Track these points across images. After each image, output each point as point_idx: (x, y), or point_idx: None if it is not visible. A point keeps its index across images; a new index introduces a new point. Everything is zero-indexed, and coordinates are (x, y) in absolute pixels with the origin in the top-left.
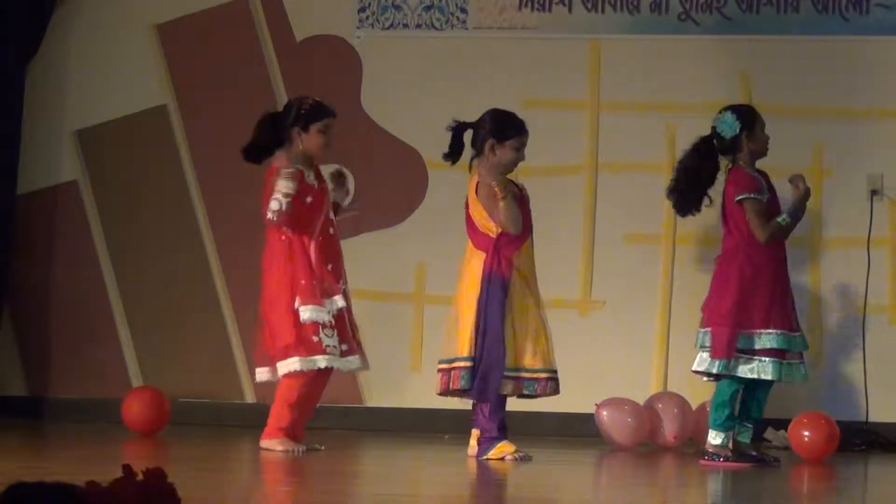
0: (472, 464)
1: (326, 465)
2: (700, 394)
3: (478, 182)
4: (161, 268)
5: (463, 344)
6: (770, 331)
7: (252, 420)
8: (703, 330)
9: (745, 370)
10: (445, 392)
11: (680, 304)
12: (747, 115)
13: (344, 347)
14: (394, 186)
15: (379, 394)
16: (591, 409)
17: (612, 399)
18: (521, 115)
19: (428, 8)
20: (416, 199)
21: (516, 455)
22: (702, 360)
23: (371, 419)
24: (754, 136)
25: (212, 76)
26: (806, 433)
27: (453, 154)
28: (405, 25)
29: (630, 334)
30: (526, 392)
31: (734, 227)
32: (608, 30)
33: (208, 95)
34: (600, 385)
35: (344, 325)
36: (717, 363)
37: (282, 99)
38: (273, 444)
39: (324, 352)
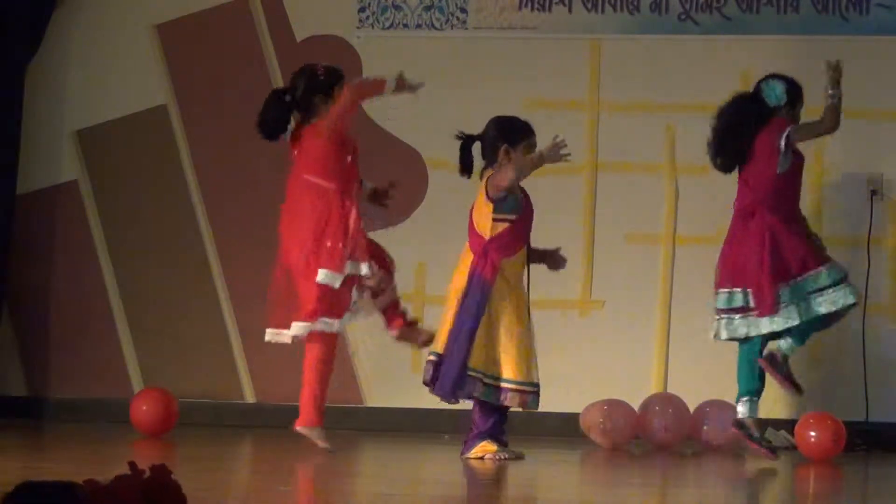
0: (473, 464)
1: (326, 465)
2: (699, 394)
3: (490, 174)
4: (161, 268)
5: (439, 339)
6: (812, 272)
7: (252, 420)
8: (730, 290)
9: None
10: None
11: (680, 304)
12: (796, 93)
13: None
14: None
15: (379, 394)
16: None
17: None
18: (521, 115)
19: (428, 8)
20: (416, 199)
21: (498, 456)
22: (738, 324)
23: (371, 419)
24: (794, 113)
25: (212, 76)
26: (812, 433)
27: (467, 169)
28: (405, 25)
29: (630, 334)
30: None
31: (757, 184)
32: (608, 30)
33: (208, 95)
34: (600, 385)
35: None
36: (770, 321)
37: None
38: (313, 435)
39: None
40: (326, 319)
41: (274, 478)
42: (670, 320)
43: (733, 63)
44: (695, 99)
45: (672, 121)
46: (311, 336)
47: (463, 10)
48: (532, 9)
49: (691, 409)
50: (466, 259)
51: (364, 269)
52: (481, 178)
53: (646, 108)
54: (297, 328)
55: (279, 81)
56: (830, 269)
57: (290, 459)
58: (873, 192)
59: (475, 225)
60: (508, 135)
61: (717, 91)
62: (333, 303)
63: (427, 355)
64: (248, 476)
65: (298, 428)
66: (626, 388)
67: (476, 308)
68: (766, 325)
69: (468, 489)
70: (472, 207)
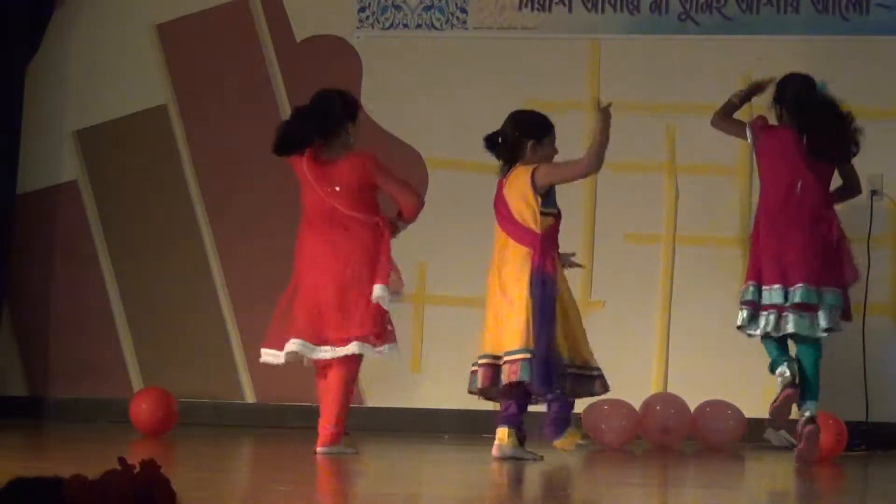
0: (473, 465)
1: (327, 465)
2: (699, 394)
3: (535, 168)
4: (161, 268)
5: (514, 338)
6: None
7: (252, 420)
8: (812, 288)
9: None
10: (489, 387)
11: (680, 304)
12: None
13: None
14: None
15: (379, 394)
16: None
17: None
18: None
19: (428, 8)
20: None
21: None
22: (820, 319)
23: (371, 419)
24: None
25: (212, 76)
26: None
27: (509, 161)
28: (405, 25)
29: (630, 334)
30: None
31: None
32: (608, 30)
33: (208, 95)
34: None
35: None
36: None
37: (282, 99)
38: (336, 451)
39: (394, 339)
40: (383, 346)
41: (274, 478)
42: (670, 320)
43: (733, 63)
44: (695, 99)
45: (672, 121)
46: (345, 356)
47: (463, 10)
48: (532, 9)
49: (691, 409)
50: (514, 255)
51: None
52: (507, 174)
53: (646, 108)
54: (354, 347)
55: (279, 81)
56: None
57: (290, 459)
58: (873, 192)
59: (521, 220)
60: (532, 130)
61: (717, 91)
62: (385, 326)
63: (489, 358)
64: (248, 476)
65: (324, 449)
66: (626, 388)
67: (551, 302)
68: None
69: (468, 489)
70: (505, 205)
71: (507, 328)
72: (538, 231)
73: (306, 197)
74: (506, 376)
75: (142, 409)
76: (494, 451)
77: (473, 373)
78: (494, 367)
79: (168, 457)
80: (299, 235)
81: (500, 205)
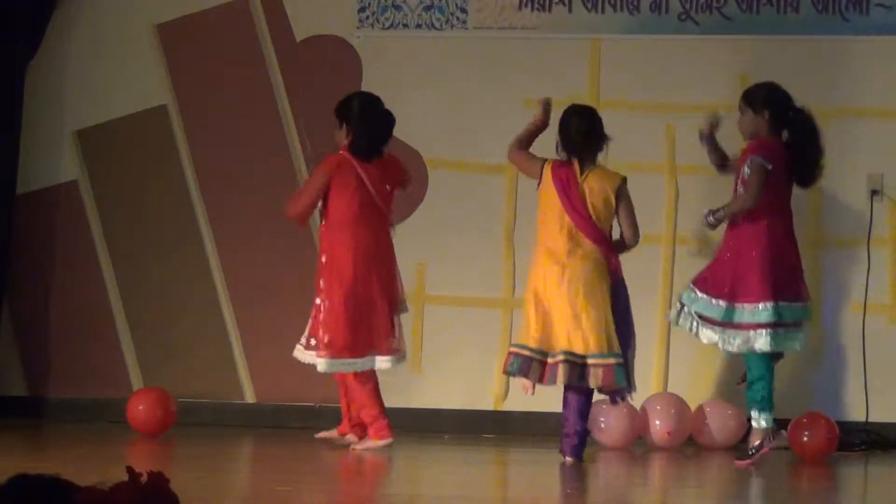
0: (473, 465)
1: (327, 465)
2: (699, 394)
3: (624, 182)
4: (161, 268)
5: (601, 341)
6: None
7: (252, 420)
8: (792, 304)
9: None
10: (574, 382)
11: None
12: None
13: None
14: None
15: None
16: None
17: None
18: (520, 114)
19: (428, 8)
20: (416, 199)
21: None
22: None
23: None
24: None
25: (212, 76)
26: (806, 433)
27: (580, 155)
28: (405, 25)
29: None
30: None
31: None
32: (608, 30)
33: (208, 95)
34: None
35: None
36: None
37: (282, 99)
38: (375, 444)
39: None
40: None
41: (274, 478)
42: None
43: (733, 63)
44: (695, 99)
45: (672, 121)
46: None
47: (463, 10)
48: (532, 9)
49: (691, 409)
50: (589, 253)
51: None
52: (582, 167)
53: (646, 108)
54: (387, 362)
55: (279, 81)
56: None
57: (290, 459)
58: (873, 192)
59: (597, 220)
60: (601, 127)
61: (717, 91)
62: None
63: (566, 356)
64: (248, 476)
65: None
66: None
67: (627, 302)
68: None
69: (468, 489)
70: (581, 198)
71: (592, 329)
72: (606, 233)
73: (353, 197)
74: (598, 380)
75: (139, 410)
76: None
77: (539, 363)
78: (574, 366)
79: (168, 457)
80: (348, 234)
81: (574, 194)
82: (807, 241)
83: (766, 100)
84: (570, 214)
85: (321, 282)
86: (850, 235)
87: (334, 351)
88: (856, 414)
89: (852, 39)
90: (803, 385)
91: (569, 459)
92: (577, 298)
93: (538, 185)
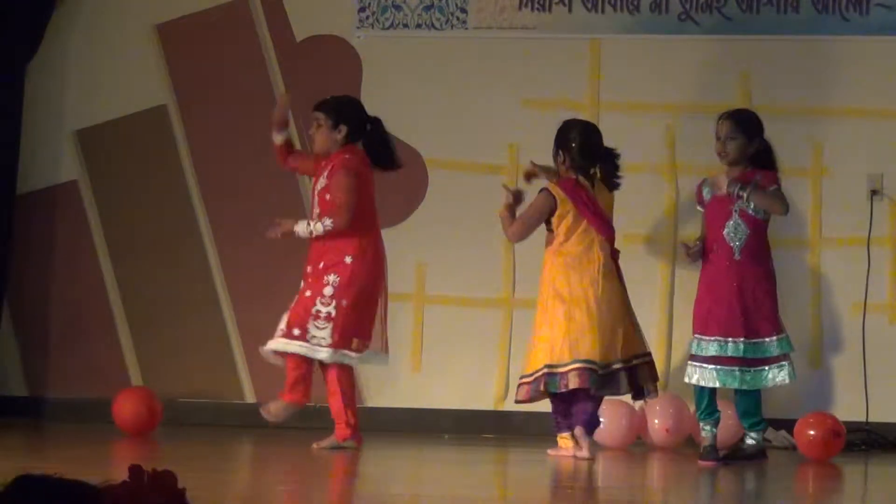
0: (473, 465)
1: (326, 465)
2: None
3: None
4: (161, 268)
5: (638, 343)
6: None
7: (252, 420)
8: (770, 339)
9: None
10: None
11: (680, 304)
12: None
13: None
14: (394, 186)
15: (379, 394)
16: None
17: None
18: (519, 114)
19: (428, 8)
20: (416, 199)
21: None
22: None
23: (371, 419)
24: None
25: (212, 76)
26: (812, 433)
27: (584, 169)
28: (405, 25)
29: None
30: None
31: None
32: (608, 30)
33: (208, 95)
34: None
35: None
36: None
37: None
38: (348, 444)
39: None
40: None
41: (274, 478)
42: (671, 321)
43: (733, 63)
44: (695, 99)
45: (672, 121)
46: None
47: (463, 10)
48: (532, 9)
49: (691, 409)
50: (612, 262)
51: None
52: (592, 181)
53: (646, 108)
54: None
55: (279, 81)
56: None
57: (290, 459)
58: (873, 192)
59: (608, 219)
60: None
61: (717, 91)
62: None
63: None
64: (248, 476)
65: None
66: None
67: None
68: None
69: (468, 489)
70: (602, 209)
71: (629, 332)
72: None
73: (370, 201)
74: (648, 378)
75: (123, 410)
76: (585, 453)
77: (603, 375)
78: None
79: (168, 457)
80: (375, 237)
81: (597, 206)
82: (807, 241)
83: (760, 127)
84: (596, 226)
85: (337, 279)
86: (850, 235)
87: (361, 346)
88: (856, 414)
89: (852, 39)
90: (803, 385)
91: (578, 430)
92: (619, 305)
93: (553, 213)
